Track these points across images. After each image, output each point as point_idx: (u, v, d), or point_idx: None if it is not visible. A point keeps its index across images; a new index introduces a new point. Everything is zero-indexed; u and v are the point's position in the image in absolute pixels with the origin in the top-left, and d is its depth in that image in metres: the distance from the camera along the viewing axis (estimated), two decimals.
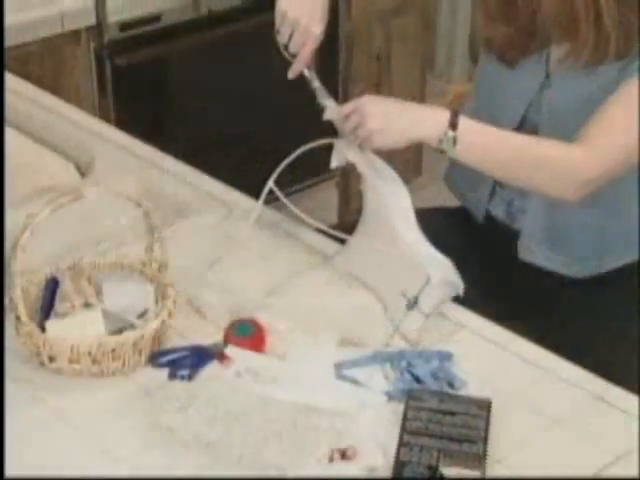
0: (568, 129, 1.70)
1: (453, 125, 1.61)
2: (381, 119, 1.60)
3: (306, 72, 1.74)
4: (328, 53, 2.94)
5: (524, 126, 1.80)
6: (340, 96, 3.07)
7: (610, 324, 1.81)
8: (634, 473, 1.30)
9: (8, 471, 1.29)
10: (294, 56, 1.73)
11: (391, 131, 1.62)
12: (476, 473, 1.27)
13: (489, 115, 1.80)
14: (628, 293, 1.85)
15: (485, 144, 1.66)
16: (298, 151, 1.63)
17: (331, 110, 1.67)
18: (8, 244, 1.43)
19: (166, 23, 2.62)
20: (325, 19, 1.75)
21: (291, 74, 1.74)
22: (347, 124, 1.64)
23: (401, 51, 3.23)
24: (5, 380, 1.42)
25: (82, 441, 1.34)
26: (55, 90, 2.29)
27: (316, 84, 1.72)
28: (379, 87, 3.22)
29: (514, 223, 1.88)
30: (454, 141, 1.62)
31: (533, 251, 1.86)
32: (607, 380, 1.44)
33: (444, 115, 1.62)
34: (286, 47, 1.74)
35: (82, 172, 1.93)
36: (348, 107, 1.65)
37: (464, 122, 1.62)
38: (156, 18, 2.60)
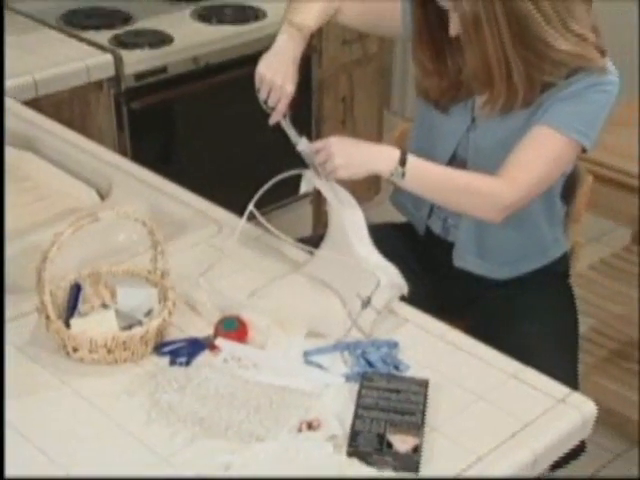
0: (490, 163, 1.71)
1: (402, 162, 1.61)
2: (344, 157, 1.59)
3: (282, 121, 1.73)
4: (303, 96, 2.93)
5: (455, 160, 1.80)
6: (313, 131, 3.07)
7: (526, 315, 1.81)
8: (537, 437, 1.31)
9: (37, 439, 1.29)
10: (272, 109, 1.73)
11: (352, 166, 1.60)
12: (416, 439, 1.27)
13: (426, 151, 1.80)
14: (540, 290, 1.86)
15: (427, 177, 1.65)
16: (273, 180, 1.61)
17: (303, 147, 1.66)
18: (39, 257, 1.42)
19: (172, 74, 2.60)
20: (296, 79, 1.74)
21: (271, 122, 1.74)
22: (316, 159, 1.62)
23: (362, 94, 3.22)
24: (37, 366, 1.42)
25: (99, 415, 1.34)
26: (82, 130, 2.27)
27: (291, 131, 1.71)
28: (345, 124, 3.21)
29: (449, 236, 1.88)
30: (402, 175, 1.61)
31: (464, 259, 1.86)
32: (521, 361, 1.44)
33: (395, 154, 1.62)
34: (265, 102, 1.73)
35: (102, 196, 1.91)
36: (317, 145, 1.63)
37: (411, 159, 1.62)
38: (163, 70, 2.58)
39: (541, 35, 1.59)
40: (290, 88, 1.72)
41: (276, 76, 1.71)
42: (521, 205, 1.68)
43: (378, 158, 1.62)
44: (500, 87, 1.64)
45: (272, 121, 1.73)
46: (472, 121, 1.78)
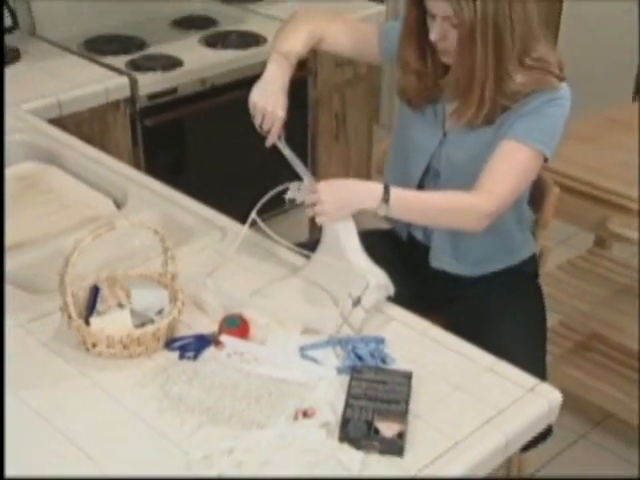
0: (460, 174, 1.73)
1: (386, 197, 1.58)
2: (332, 204, 1.56)
3: (278, 143, 1.72)
4: (300, 113, 2.95)
5: (429, 171, 1.81)
6: (309, 144, 3.07)
7: (500, 313, 1.81)
8: (509, 423, 1.31)
9: (60, 425, 1.28)
10: (267, 132, 1.72)
11: (339, 210, 1.57)
12: (401, 426, 1.26)
13: (403, 163, 1.82)
14: (513, 290, 1.86)
15: (410, 206, 1.64)
16: (273, 191, 1.61)
17: (296, 189, 1.63)
18: (62, 262, 1.41)
19: (181, 94, 2.59)
20: (286, 104, 1.73)
21: (267, 145, 1.74)
22: (308, 199, 1.59)
23: (353, 111, 3.21)
24: (61, 360, 1.42)
25: (115, 404, 1.33)
26: (101, 145, 2.26)
27: (286, 150, 1.71)
28: (338, 137, 3.20)
29: (427, 241, 1.88)
30: (387, 208, 1.59)
31: (440, 260, 1.86)
32: (496, 355, 1.44)
33: (379, 190, 1.58)
34: (260, 126, 1.73)
35: (118, 206, 1.90)
36: (312, 192, 1.59)
37: (393, 193, 1.58)
38: (174, 91, 2.57)
39: (507, 66, 1.62)
40: (281, 113, 1.71)
41: (267, 103, 1.70)
42: (499, 213, 1.67)
43: (364, 198, 1.59)
44: (474, 97, 1.65)
45: (268, 143, 1.73)
46: (443, 136, 1.78)
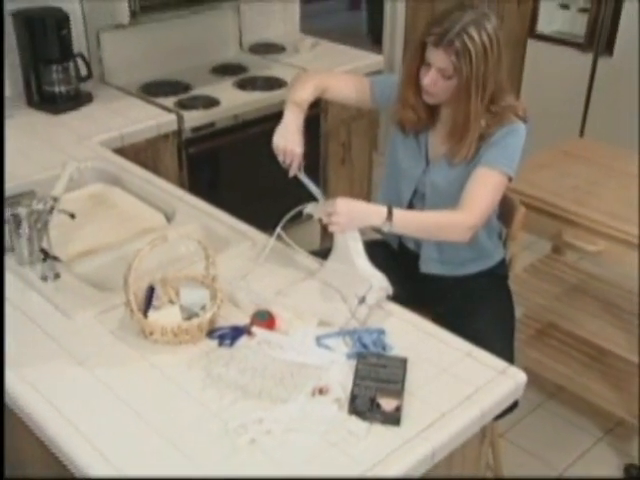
0: (442, 196, 1.75)
1: (390, 216, 1.58)
2: (345, 217, 1.54)
3: (299, 174, 1.72)
4: (314, 143, 2.94)
5: (417, 193, 1.82)
6: (321, 168, 3.06)
7: (477, 309, 1.81)
8: (484, 398, 1.31)
9: (125, 397, 1.28)
10: (289, 166, 1.72)
11: (349, 223, 1.56)
12: (398, 401, 1.26)
13: (394, 187, 1.83)
14: (487, 290, 1.86)
15: (408, 223, 1.63)
16: (295, 209, 1.60)
17: (314, 207, 1.62)
18: (126, 267, 1.41)
19: (218, 127, 2.59)
20: (301, 142, 1.72)
21: (290, 176, 1.73)
22: (326, 211, 1.58)
23: (357, 141, 3.21)
24: (125, 345, 1.42)
25: (168, 381, 1.34)
26: (154, 169, 2.27)
27: (306, 180, 1.70)
28: (344, 162, 3.19)
29: (418, 249, 1.88)
30: (391, 225, 1.59)
31: (428, 265, 1.86)
32: (474, 343, 1.43)
33: (384, 211, 1.58)
34: (283, 162, 1.73)
35: (168, 219, 1.90)
36: (328, 203, 1.58)
37: (395, 212, 1.58)
38: (212, 125, 2.57)
39: (479, 115, 1.65)
40: (298, 150, 1.71)
41: (286, 144, 1.71)
42: (480, 226, 1.68)
43: (372, 216, 1.58)
44: (469, 138, 1.67)
45: (291, 175, 1.73)
46: (426, 165, 1.79)
